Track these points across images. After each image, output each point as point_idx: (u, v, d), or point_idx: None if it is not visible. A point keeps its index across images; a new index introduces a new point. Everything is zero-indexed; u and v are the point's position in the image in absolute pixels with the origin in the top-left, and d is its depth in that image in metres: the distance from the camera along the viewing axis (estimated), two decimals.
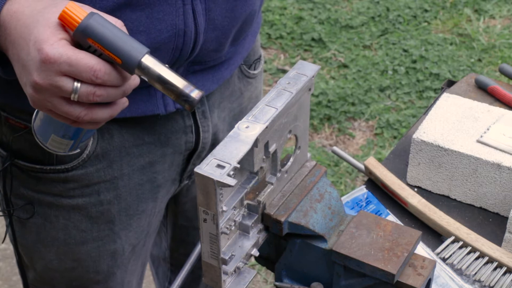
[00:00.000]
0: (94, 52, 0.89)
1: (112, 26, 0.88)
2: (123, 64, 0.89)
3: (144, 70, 0.89)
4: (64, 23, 0.88)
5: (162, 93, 1.17)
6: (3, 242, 1.32)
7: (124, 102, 0.96)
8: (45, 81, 0.88)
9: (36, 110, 1.02)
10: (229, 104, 1.34)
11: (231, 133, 0.90)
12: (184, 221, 1.53)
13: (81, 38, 0.88)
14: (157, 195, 1.30)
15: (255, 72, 1.39)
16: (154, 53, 1.06)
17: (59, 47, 0.87)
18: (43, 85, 0.89)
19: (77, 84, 0.88)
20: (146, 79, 0.90)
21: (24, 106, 1.07)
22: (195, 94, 0.90)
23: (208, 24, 1.13)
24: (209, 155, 0.88)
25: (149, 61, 0.89)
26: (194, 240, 1.54)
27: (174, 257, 1.63)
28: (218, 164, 0.85)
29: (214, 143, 1.33)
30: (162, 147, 1.25)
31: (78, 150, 1.08)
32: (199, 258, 1.39)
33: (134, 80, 0.94)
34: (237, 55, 1.28)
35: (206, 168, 0.85)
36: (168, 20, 1.08)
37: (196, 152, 1.30)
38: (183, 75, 1.18)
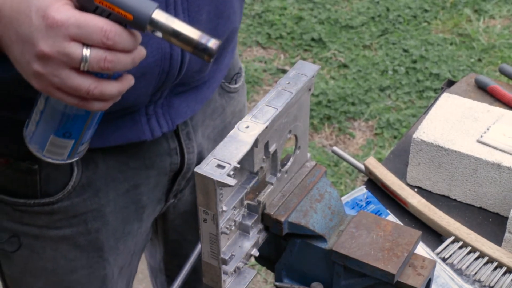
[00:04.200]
0: (101, 14, 0.86)
1: None
2: (134, 20, 0.85)
3: (157, 24, 0.86)
4: None
5: (147, 118, 1.14)
6: None
7: (131, 79, 0.92)
8: (53, 49, 0.84)
9: (29, 116, 0.98)
10: (212, 122, 1.32)
11: (231, 133, 0.90)
12: (175, 236, 1.51)
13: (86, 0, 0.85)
14: (142, 216, 1.28)
15: (236, 86, 1.37)
16: (141, 78, 1.04)
17: (65, 10, 0.83)
18: (51, 54, 0.84)
19: (87, 50, 0.85)
20: (159, 35, 0.87)
21: (2, 142, 1.03)
22: (212, 43, 0.87)
23: None
24: (209, 155, 0.88)
25: (160, 15, 0.86)
26: (187, 252, 1.50)
27: (169, 269, 1.61)
28: (218, 164, 0.85)
29: (200, 162, 1.29)
30: (147, 170, 1.23)
31: (77, 158, 1.03)
32: (199, 258, 1.39)
33: (142, 50, 0.90)
34: (218, 73, 1.25)
35: (206, 168, 0.85)
36: (154, 44, 1.05)
37: (181, 173, 1.28)
38: (167, 97, 1.15)
